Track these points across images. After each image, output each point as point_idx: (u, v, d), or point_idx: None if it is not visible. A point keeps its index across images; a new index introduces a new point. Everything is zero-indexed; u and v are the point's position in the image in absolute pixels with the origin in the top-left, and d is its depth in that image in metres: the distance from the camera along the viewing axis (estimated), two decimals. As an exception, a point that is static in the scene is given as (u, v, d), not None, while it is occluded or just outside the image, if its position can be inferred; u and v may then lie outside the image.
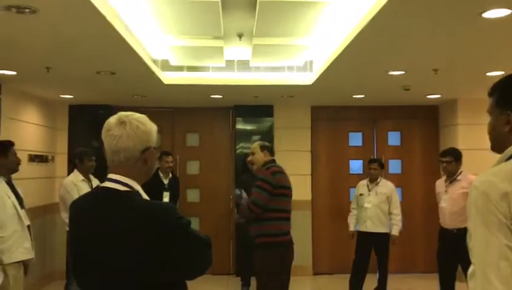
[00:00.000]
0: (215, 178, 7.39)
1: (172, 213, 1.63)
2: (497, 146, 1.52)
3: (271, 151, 4.19)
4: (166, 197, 5.86)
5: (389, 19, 3.24)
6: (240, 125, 7.34)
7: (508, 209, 1.31)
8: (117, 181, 1.67)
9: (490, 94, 1.54)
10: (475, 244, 1.35)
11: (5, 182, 3.73)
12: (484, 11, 3.04)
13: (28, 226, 3.82)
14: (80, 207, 1.75)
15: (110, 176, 1.69)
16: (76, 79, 5.25)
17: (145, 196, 1.70)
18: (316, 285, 6.91)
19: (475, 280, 1.32)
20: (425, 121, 7.54)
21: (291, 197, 4.11)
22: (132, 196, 1.66)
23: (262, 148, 4.17)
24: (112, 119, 1.70)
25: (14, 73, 4.80)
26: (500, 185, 1.33)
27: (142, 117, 1.73)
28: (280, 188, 3.96)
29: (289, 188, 4.08)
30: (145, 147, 1.69)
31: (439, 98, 6.78)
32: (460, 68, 4.87)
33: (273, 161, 4.15)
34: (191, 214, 7.19)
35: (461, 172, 5.09)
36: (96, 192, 1.78)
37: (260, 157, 4.14)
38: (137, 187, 1.69)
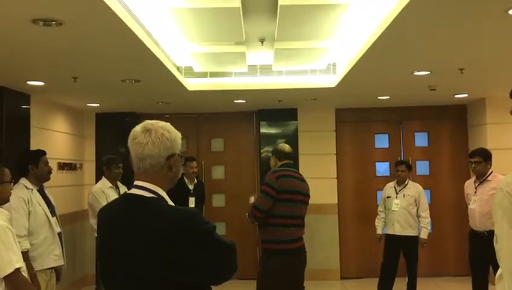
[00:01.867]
0: (240, 182, 7.41)
1: (198, 219, 1.65)
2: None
3: (279, 156, 4.07)
4: (192, 203, 5.91)
5: (411, 19, 3.20)
6: (264, 129, 7.35)
7: None
8: (143, 188, 1.70)
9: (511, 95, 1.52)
10: (502, 246, 1.32)
11: (37, 190, 3.83)
12: (510, 8, 2.97)
13: (59, 234, 3.90)
14: (108, 214, 1.79)
15: (137, 182, 1.73)
16: (102, 88, 5.35)
17: (170, 202, 1.72)
18: (344, 289, 6.84)
19: (502, 283, 1.30)
20: (453, 121, 7.40)
21: (301, 202, 3.93)
22: (158, 202, 1.69)
23: (272, 153, 4.20)
24: (138, 128, 1.74)
25: (42, 84, 4.92)
26: (526, 187, 1.31)
27: (167, 125, 1.76)
28: (284, 193, 3.80)
29: (298, 193, 3.90)
30: (170, 154, 1.72)
31: (466, 97, 6.64)
32: (486, 67, 4.77)
33: (286, 164, 4.03)
34: (216, 219, 7.23)
35: (491, 173, 4.98)
36: (123, 199, 1.82)
37: (272, 162, 4.13)
38: (163, 193, 1.72)
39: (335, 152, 7.33)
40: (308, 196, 4.01)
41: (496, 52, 4.19)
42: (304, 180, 4.06)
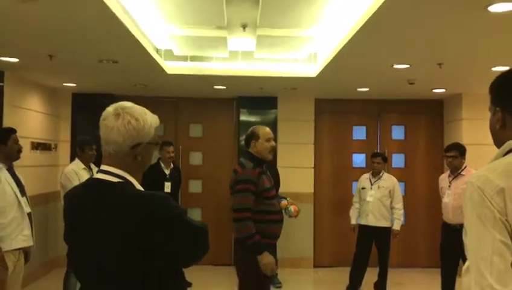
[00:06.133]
0: (217, 169, 7.38)
1: (166, 202, 1.63)
2: (495, 142, 1.51)
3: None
4: (167, 188, 5.85)
5: (393, 12, 3.20)
6: (244, 117, 7.32)
7: (503, 205, 1.30)
8: (109, 172, 1.66)
9: (489, 92, 1.54)
10: (470, 239, 1.34)
11: (6, 169, 3.73)
12: (490, 5, 2.99)
13: (29, 214, 3.82)
14: (74, 198, 1.76)
15: (103, 167, 1.69)
16: (79, 67, 5.25)
17: (139, 187, 1.69)
18: (317, 277, 6.92)
19: (469, 275, 1.31)
20: (429, 116, 7.49)
21: (231, 194, 3.59)
22: (125, 186, 1.65)
23: None
24: (110, 108, 1.68)
25: (16, 60, 4.80)
26: (496, 181, 1.32)
27: (138, 112, 1.67)
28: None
29: (229, 186, 3.60)
30: (134, 144, 1.66)
31: (444, 92, 6.73)
32: (465, 62, 4.83)
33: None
34: (192, 204, 7.20)
35: (465, 167, 5.08)
36: (89, 183, 1.77)
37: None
38: (130, 178, 1.68)
39: (313, 142, 7.36)
40: (229, 187, 3.63)
41: (475, 48, 4.24)
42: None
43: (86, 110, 6.94)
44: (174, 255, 1.63)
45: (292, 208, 3.81)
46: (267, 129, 3.59)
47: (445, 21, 3.41)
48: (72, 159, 5.82)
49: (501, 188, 1.31)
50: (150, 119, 1.70)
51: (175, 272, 1.71)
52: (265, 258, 3.35)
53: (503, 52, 4.35)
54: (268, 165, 3.69)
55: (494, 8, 3.04)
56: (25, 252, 3.78)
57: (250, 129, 3.61)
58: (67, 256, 1.74)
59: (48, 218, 6.42)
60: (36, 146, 6.21)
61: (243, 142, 6.92)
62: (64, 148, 7.00)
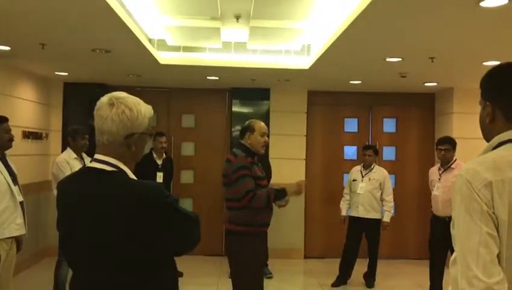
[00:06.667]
0: (210, 160, 7.40)
1: (159, 191, 1.64)
2: (485, 136, 1.54)
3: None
4: (159, 178, 5.86)
5: (386, 4, 3.22)
6: (237, 108, 7.33)
7: (490, 198, 1.33)
8: (103, 161, 1.67)
9: (480, 86, 1.57)
10: (458, 231, 1.37)
11: (-2, 158, 3.72)
12: (482, 0, 3.02)
13: (21, 203, 3.82)
14: (67, 187, 1.76)
15: (96, 156, 1.70)
16: (72, 56, 5.21)
17: (132, 176, 1.70)
18: (308, 268, 6.98)
19: (456, 266, 1.34)
20: (421, 109, 7.54)
21: (223, 184, 3.71)
22: (118, 175, 1.66)
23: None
24: (105, 98, 1.68)
25: (8, 48, 4.76)
26: (485, 174, 1.35)
27: (132, 102, 1.68)
28: None
29: (222, 175, 3.69)
30: (128, 133, 1.67)
31: (435, 86, 6.77)
32: (456, 57, 4.86)
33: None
34: (184, 195, 7.22)
35: (455, 160, 5.13)
36: (82, 172, 1.79)
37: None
38: (124, 167, 1.69)
39: (305, 134, 7.39)
40: (223, 175, 3.71)
41: (466, 43, 4.27)
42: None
43: (77, 99, 6.91)
44: (165, 244, 1.64)
45: None
46: (263, 124, 3.75)
47: (438, 16, 3.43)
48: (63, 149, 5.81)
49: (489, 181, 1.34)
50: (143, 109, 1.71)
51: (167, 261, 1.73)
52: (290, 189, 3.61)
53: (494, 47, 4.38)
54: (259, 158, 3.79)
55: (485, 4, 3.07)
56: (17, 240, 3.78)
57: (248, 122, 3.77)
58: (59, 244, 1.75)
59: (39, 207, 6.41)
60: (27, 135, 6.18)
61: (235, 133, 7.03)
62: (56, 138, 6.97)
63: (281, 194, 3.61)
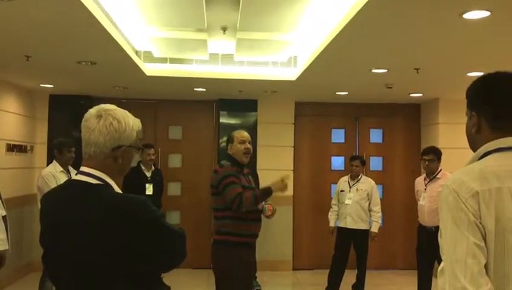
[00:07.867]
0: (197, 172, 7.36)
1: (144, 206, 1.61)
2: (471, 146, 1.54)
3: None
4: (149, 190, 5.80)
5: (371, 17, 3.25)
6: (224, 119, 7.31)
7: (477, 208, 1.33)
8: (88, 174, 1.65)
9: (466, 96, 1.58)
10: (445, 241, 1.36)
11: (-19, 171, 3.66)
12: (465, 12, 3.07)
13: (4, 217, 3.75)
14: (51, 200, 1.73)
15: (82, 169, 1.67)
16: (57, 68, 5.17)
17: (117, 190, 1.67)
18: (296, 280, 6.95)
19: (444, 277, 1.34)
20: (407, 119, 7.61)
21: (212, 194, 3.67)
22: (103, 189, 1.63)
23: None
24: (93, 110, 1.67)
25: (-8, 60, 4.71)
26: (471, 184, 1.35)
27: (120, 114, 1.67)
28: None
29: (210, 186, 3.66)
30: (115, 146, 1.65)
31: (421, 96, 6.84)
32: (441, 68, 4.92)
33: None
34: (172, 207, 7.16)
35: (441, 170, 5.17)
36: (67, 185, 1.75)
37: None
38: (109, 181, 1.66)
39: (293, 145, 7.40)
40: (211, 186, 3.68)
41: (450, 55, 4.32)
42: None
43: (63, 112, 6.84)
44: (150, 260, 1.61)
45: (266, 207, 3.84)
46: (243, 133, 3.74)
47: (422, 28, 3.47)
48: (49, 162, 5.73)
49: (475, 191, 1.34)
50: (132, 122, 1.70)
51: (152, 277, 1.70)
52: (275, 186, 3.58)
53: (478, 58, 4.45)
54: (251, 172, 3.80)
55: (468, 16, 3.12)
56: (0, 256, 3.71)
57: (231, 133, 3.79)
58: (43, 260, 1.71)
59: (23, 221, 6.30)
60: (12, 148, 6.09)
61: (222, 145, 7.00)
62: (41, 151, 6.88)
63: (266, 192, 3.60)
